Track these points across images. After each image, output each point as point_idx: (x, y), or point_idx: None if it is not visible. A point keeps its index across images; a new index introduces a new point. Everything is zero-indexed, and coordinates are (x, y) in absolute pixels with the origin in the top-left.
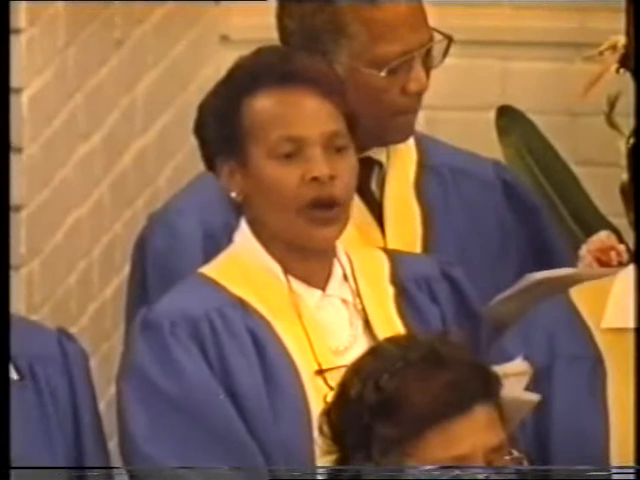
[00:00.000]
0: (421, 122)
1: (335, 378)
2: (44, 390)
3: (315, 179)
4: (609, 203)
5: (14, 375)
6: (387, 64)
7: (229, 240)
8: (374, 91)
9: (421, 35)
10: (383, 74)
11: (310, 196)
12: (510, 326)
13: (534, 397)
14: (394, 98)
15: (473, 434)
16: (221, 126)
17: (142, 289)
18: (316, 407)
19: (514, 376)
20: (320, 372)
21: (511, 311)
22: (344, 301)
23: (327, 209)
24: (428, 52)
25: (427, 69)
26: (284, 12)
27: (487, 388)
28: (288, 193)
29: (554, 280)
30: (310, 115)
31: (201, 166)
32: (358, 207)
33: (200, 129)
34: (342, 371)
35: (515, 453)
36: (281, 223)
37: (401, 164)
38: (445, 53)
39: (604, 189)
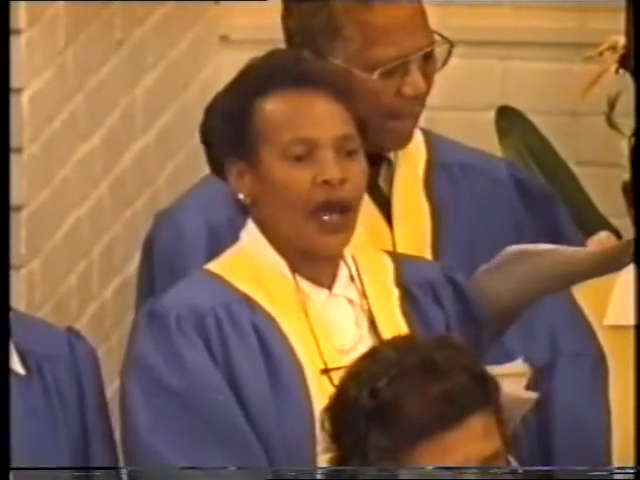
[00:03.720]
0: (421, 122)
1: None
2: (51, 388)
3: (326, 182)
4: (609, 203)
5: (21, 370)
6: (381, 67)
7: (233, 237)
8: (370, 94)
9: (418, 39)
10: (375, 77)
11: (321, 199)
12: (492, 300)
13: (532, 395)
14: (390, 102)
15: (466, 445)
16: (231, 127)
17: (152, 288)
18: (320, 405)
19: (514, 376)
20: (326, 371)
21: (493, 285)
22: (350, 301)
23: (337, 213)
24: (428, 56)
25: (427, 73)
26: (286, 12)
27: (484, 396)
28: (299, 195)
29: (535, 254)
30: (322, 118)
31: (201, 166)
32: (366, 204)
33: (208, 132)
34: None
35: (512, 461)
36: (289, 227)
37: (410, 161)
38: (447, 58)
39: (604, 189)
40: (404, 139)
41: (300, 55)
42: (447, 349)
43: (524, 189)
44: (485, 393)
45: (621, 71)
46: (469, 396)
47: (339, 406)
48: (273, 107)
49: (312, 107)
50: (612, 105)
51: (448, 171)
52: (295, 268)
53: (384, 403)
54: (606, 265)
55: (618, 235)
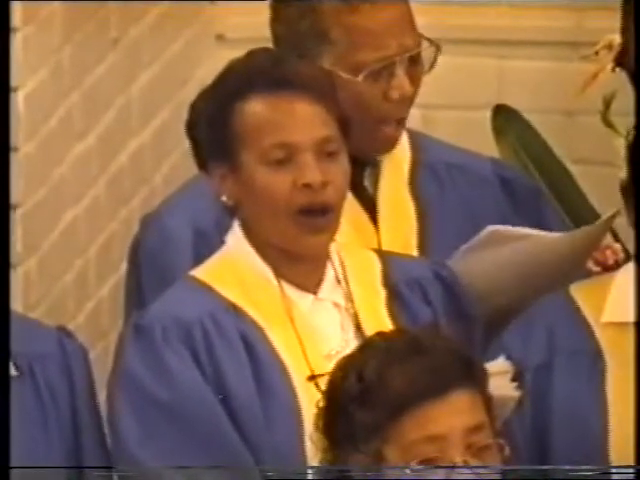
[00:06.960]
0: (418, 121)
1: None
2: (42, 388)
3: (307, 185)
4: (605, 202)
5: (13, 371)
6: (365, 70)
7: (220, 240)
8: (356, 97)
9: (403, 42)
10: (360, 79)
11: (302, 202)
12: (469, 281)
13: (516, 393)
14: (377, 105)
15: (449, 415)
16: (213, 130)
17: (139, 290)
18: (308, 412)
19: (497, 375)
20: (312, 378)
21: (472, 264)
22: (336, 305)
23: (319, 215)
24: (415, 58)
25: (414, 76)
26: (274, 16)
27: (468, 375)
28: (279, 199)
29: (515, 237)
30: (302, 121)
31: None
32: (351, 204)
33: (192, 129)
34: None
35: (499, 440)
36: (272, 229)
37: (395, 161)
38: (434, 61)
39: (600, 188)
40: (390, 144)
41: (279, 56)
42: (433, 334)
43: (510, 187)
44: (469, 372)
45: (617, 70)
46: (452, 372)
47: (330, 400)
48: (252, 110)
49: (291, 110)
50: (608, 104)
51: (433, 170)
52: (280, 273)
53: (370, 383)
54: (586, 245)
55: (614, 233)
